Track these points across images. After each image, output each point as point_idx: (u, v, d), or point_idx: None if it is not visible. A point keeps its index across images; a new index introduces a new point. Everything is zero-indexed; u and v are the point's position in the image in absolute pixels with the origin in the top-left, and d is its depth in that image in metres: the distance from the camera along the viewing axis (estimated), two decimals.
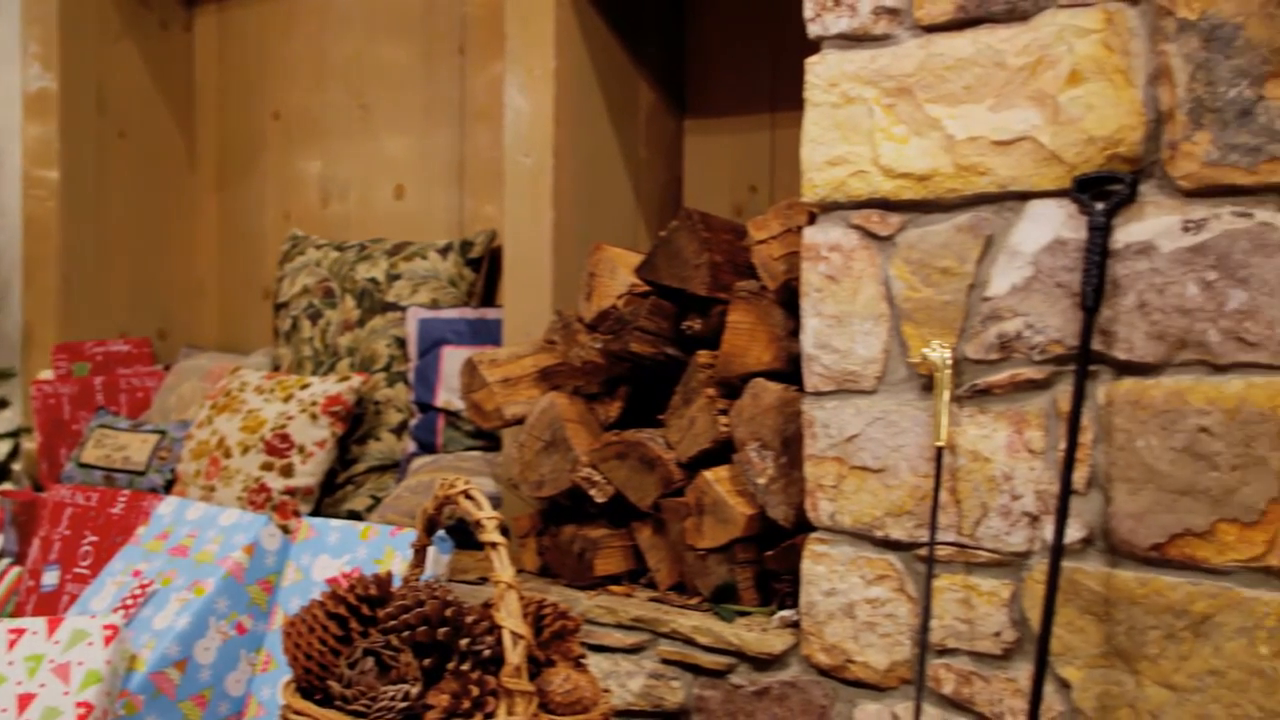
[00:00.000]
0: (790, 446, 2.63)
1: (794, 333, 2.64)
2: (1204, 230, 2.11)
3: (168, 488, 4.09)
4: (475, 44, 4.29)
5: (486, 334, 3.92)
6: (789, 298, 2.66)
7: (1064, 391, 2.24)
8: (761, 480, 2.68)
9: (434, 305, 4.07)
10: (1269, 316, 2.06)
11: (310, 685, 2.02)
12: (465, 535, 3.18)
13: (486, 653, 1.95)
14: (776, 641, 2.61)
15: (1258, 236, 2.06)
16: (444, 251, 4.14)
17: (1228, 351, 2.10)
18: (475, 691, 1.90)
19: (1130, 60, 2.18)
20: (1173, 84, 2.14)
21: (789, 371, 2.67)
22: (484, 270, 4.14)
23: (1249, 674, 2.10)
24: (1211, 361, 2.11)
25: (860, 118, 2.45)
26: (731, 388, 2.77)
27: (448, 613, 1.96)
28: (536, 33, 3.43)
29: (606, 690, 2.15)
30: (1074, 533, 2.24)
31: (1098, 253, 2.17)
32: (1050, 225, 2.25)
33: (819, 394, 2.53)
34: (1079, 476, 2.23)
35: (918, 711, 2.35)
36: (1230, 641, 2.11)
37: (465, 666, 1.93)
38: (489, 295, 4.17)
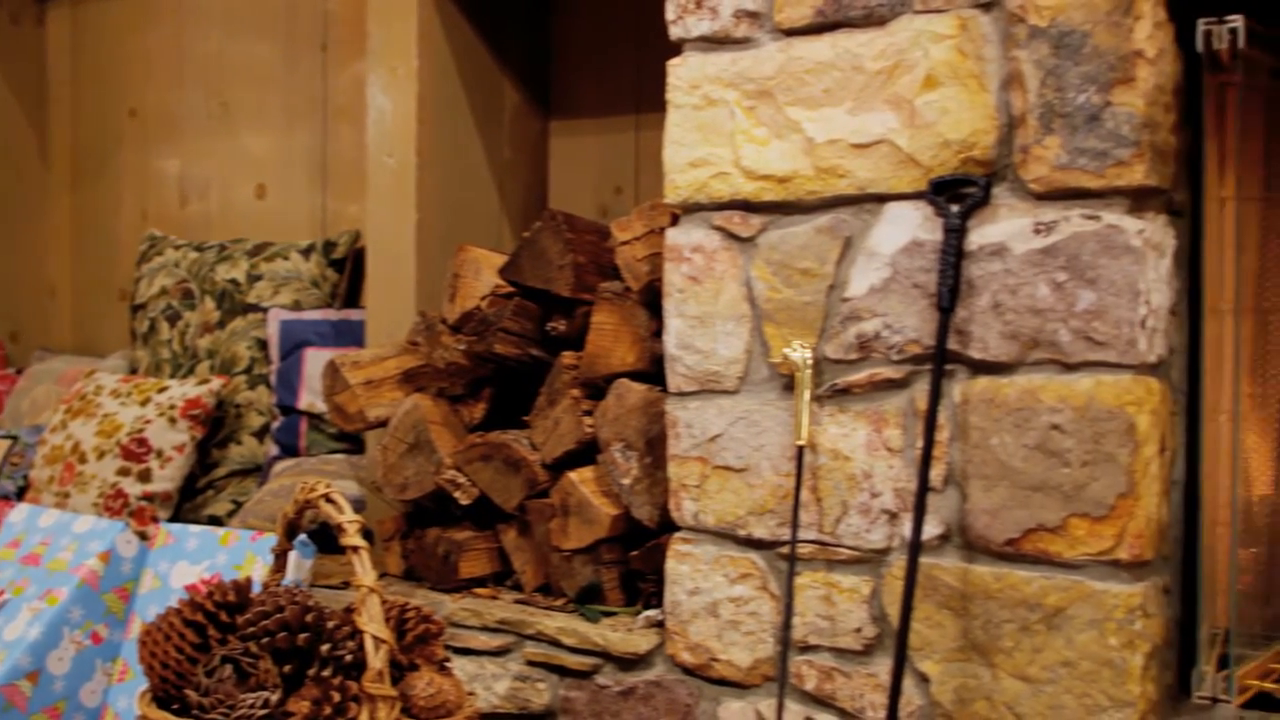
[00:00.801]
0: (654, 447, 2.64)
1: (658, 333, 2.65)
2: (1054, 232, 2.16)
3: (20, 494, 3.98)
4: (338, 41, 4.23)
5: (350, 336, 3.87)
6: (653, 299, 2.67)
7: (921, 390, 2.28)
8: (626, 481, 2.68)
9: (296, 307, 4.01)
10: (1116, 316, 2.11)
11: (167, 695, 1.99)
12: (328, 539, 3.13)
13: (348, 658, 1.93)
14: (641, 641, 2.61)
15: (1105, 238, 2.12)
16: (306, 252, 4.08)
17: (1078, 350, 2.15)
18: (336, 697, 1.88)
19: (984, 66, 2.23)
20: (1024, 89, 2.18)
21: (653, 372, 2.68)
22: (347, 271, 4.09)
23: (1099, 664, 2.15)
24: (1062, 360, 2.16)
25: (722, 120, 2.47)
26: (596, 389, 2.77)
27: (308, 618, 1.94)
28: (399, 31, 3.41)
29: (471, 693, 2.14)
30: (931, 529, 2.28)
31: (953, 254, 2.21)
32: (907, 227, 2.29)
33: (682, 394, 2.54)
34: (936, 474, 2.27)
35: (780, 708, 2.37)
36: (1081, 633, 2.16)
37: (326, 672, 1.91)
38: (352, 296, 4.12)
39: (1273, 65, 2.21)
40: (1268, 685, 2.10)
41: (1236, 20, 2.02)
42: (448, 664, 2.12)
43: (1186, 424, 2.22)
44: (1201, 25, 2.05)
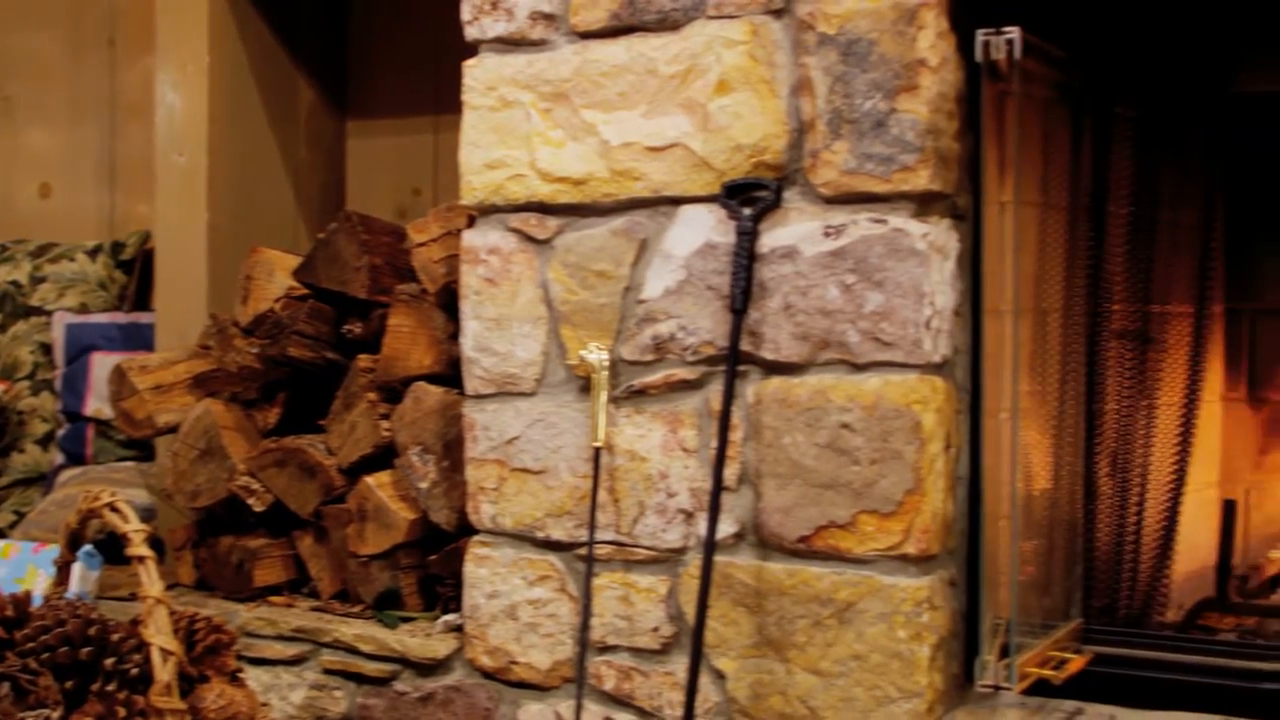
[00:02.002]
0: (452, 450, 2.62)
1: (455, 336, 2.63)
2: (843, 235, 2.21)
3: None
4: (126, 36, 4.11)
5: (140, 339, 3.76)
6: (450, 301, 2.66)
7: (716, 391, 2.31)
8: (424, 484, 2.66)
9: (83, 309, 3.88)
10: (903, 318, 2.17)
11: None
12: (117, 550, 3.04)
13: (134, 671, 1.87)
14: (440, 646, 2.59)
15: (892, 242, 2.17)
16: (93, 253, 3.95)
17: (866, 351, 2.20)
18: (122, 713, 1.83)
19: (775, 71, 2.27)
20: (813, 95, 2.23)
21: (450, 375, 2.66)
22: (137, 273, 3.97)
23: (889, 657, 2.21)
24: (851, 361, 2.22)
25: (518, 122, 2.47)
26: (393, 392, 2.74)
27: (91, 631, 1.88)
28: (189, 27, 3.32)
29: (265, 704, 2.10)
30: (726, 528, 2.31)
31: (745, 257, 2.24)
32: (701, 230, 2.32)
33: (479, 397, 2.53)
34: (730, 473, 2.30)
35: (579, 709, 2.38)
36: (871, 627, 2.22)
37: (111, 687, 1.86)
38: (142, 299, 4.00)
39: (1049, 75, 2.30)
40: (1046, 672, 2.18)
41: (1013, 32, 2.09)
42: (240, 675, 2.08)
43: (970, 422, 2.29)
44: (980, 36, 2.12)
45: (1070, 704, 2.25)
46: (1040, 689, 2.21)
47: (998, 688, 2.15)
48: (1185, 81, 2.46)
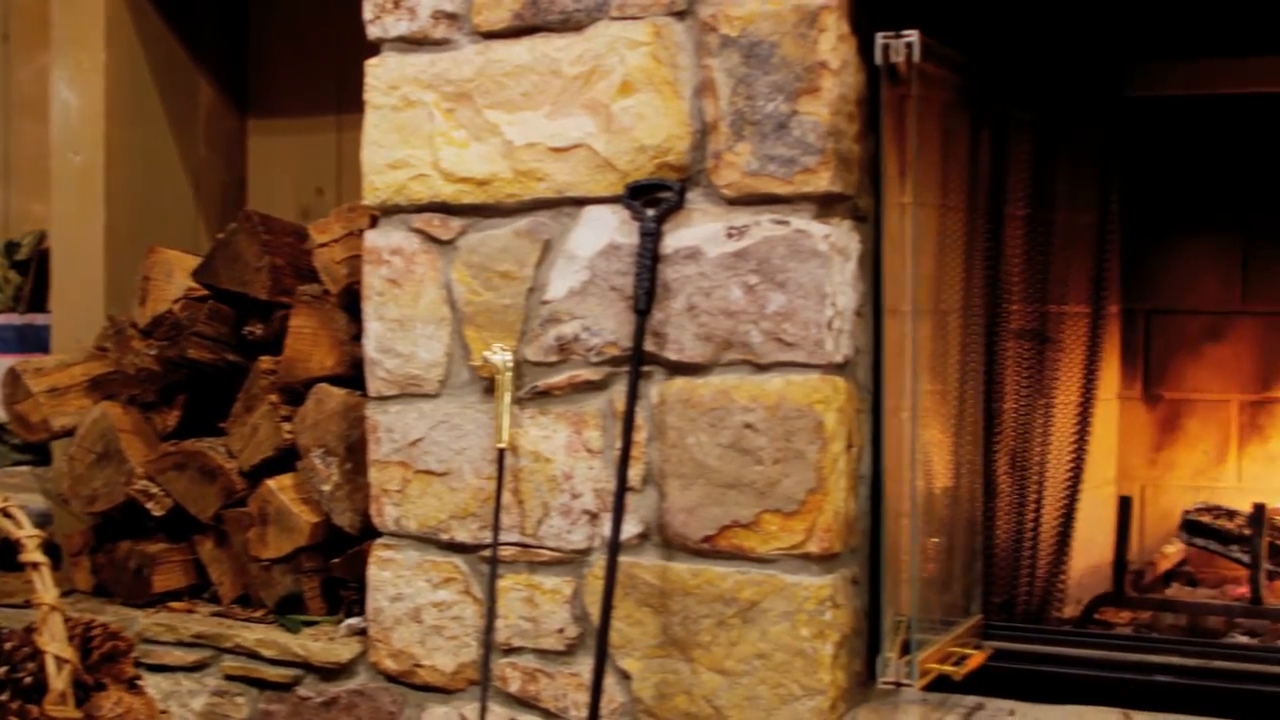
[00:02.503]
0: (355, 452, 2.60)
1: (358, 337, 2.61)
2: (746, 236, 2.22)
3: None
4: (20, 31, 4.02)
5: (36, 341, 3.69)
6: (352, 301, 2.64)
7: (620, 392, 2.31)
8: (326, 487, 2.64)
9: None
10: (805, 318, 2.19)
11: None
12: (10, 556, 2.98)
13: (28, 680, 1.85)
14: (344, 650, 2.57)
15: (794, 243, 2.19)
16: None
17: (769, 351, 2.22)
18: None
19: (678, 73, 2.27)
20: (716, 97, 2.24)
21: (353, 376, 2.64)
22: (32, 273, 3.89)
23: (792, 655, 2.22)
24: (754, 361, 2.23)
25: (421, 121, 2.45)
26: (295, 394, 2.72)
27: None
28: (85, 23, 3.26)
29: (165, 711, 2.08)
30: (631, 528, 2.31)
31: (649, 257, 2.25)
32: (605, 231, 2.32)
33: (383, 398, 2.51)
34: (635, 474, 2.30)
35: (483, 712, 2.37)
36: (775, 626, 2.23)
37: (4, 696, 1.83)
38: (38, 300, 3.92)
39: (949, 79, 2.33)
40: (947, 668, 2.20)
41: (912, 35, 2.12)
42: (139, 682, 2.05)
43: (872, 421, 2.31)
44: (880, 39, 2.14)
45: (971, 699, 2.28)
46: (941, 685, 2.24)
47: (899, 684, 2.17)
48: (1079, 85, 2.51)
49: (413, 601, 2.50)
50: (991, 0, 2.30)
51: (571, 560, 2.38)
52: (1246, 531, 2.50)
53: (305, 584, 2.72)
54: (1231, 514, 2.63)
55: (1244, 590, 2.53)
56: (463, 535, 2.46)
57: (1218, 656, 2.29)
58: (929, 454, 2.34)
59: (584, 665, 2.37)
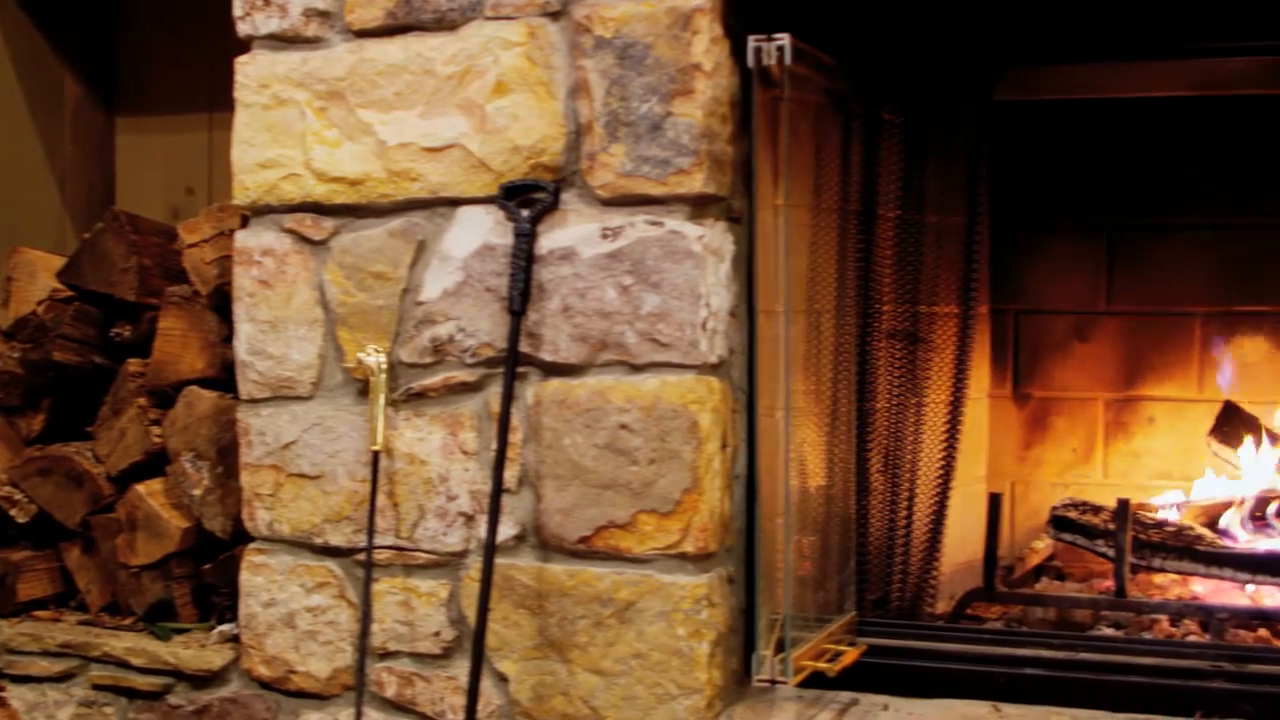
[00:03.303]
0: (227, 456, 2.56)
1: (228, 339, 2.56)
2: (620, 237, 2.22)
3: None
4: None
5: None
6: (223, 303, 2.59)
7: (495, 393, 2.30)
8: (197, 492, 2.59)
9: None
10: (679, 319, 2.20)
11: None
12: None
13: None
14: (216, 657, 2.53)
15: (668, 244, 2.20)
16: None
17: (644, 352, 2.22)
18: None
19: (552, 74, 2.27)
20: (591, 98, 2.24)
21: (224, 379, 2.60)
22: None
23: (669, 654, 2.23)
24: (630, 362, 2.23)
25: (292, 120, 2.42)
26: (165, 397, 2.67)
27: None
28: None
29: None
30: (507, 530, 2.30)
31: (523, 258, 2.24)
32: (479, 231, 2.31)
33: (254, 401, 2.47)
34: (510, 475, 2.29)
35: (358, 717, 2.35)
36: (652, 626, 2.24)
37: None
38: None
39: (821, 82, 2.35)
40: (821, 665, 2.22)
41: (784, 38, 2.13)
42: (2, 694, 1.99)
43: (747, 421, 2.33)
44: (752, 42, 2.15)
45: (846, 695, 2.31)
46: (816, 681, 2.26)
47: (774, 682, 2.18)
48: (947, 89, 2.54)
49: (286, 607, 2.46)
50: (862, 5, 2.32)
51: (447, 563, 2.36)
52: (1111, 526, 2.56)
53: (176, 591, 2.67)
54: (1097, 509, 2.69)
55: (1110, 584, 2.58)
56: (337, 539, 2.43)
57: (1084, 649, 2.34)
58: (803, 453, 2.36)
59: (461, 668, 2.35)
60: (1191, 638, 2.49)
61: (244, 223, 2.50)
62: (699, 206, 2.21)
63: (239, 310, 2.48)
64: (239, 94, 2.47)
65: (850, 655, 2.29)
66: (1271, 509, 2.65)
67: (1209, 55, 2.43)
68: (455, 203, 2.33)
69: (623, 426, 2.23)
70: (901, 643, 2.39)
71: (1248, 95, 2.64)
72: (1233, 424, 2.88)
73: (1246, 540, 2.64)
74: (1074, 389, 3.08)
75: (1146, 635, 2.53)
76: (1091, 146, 2.95)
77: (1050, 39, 2.38)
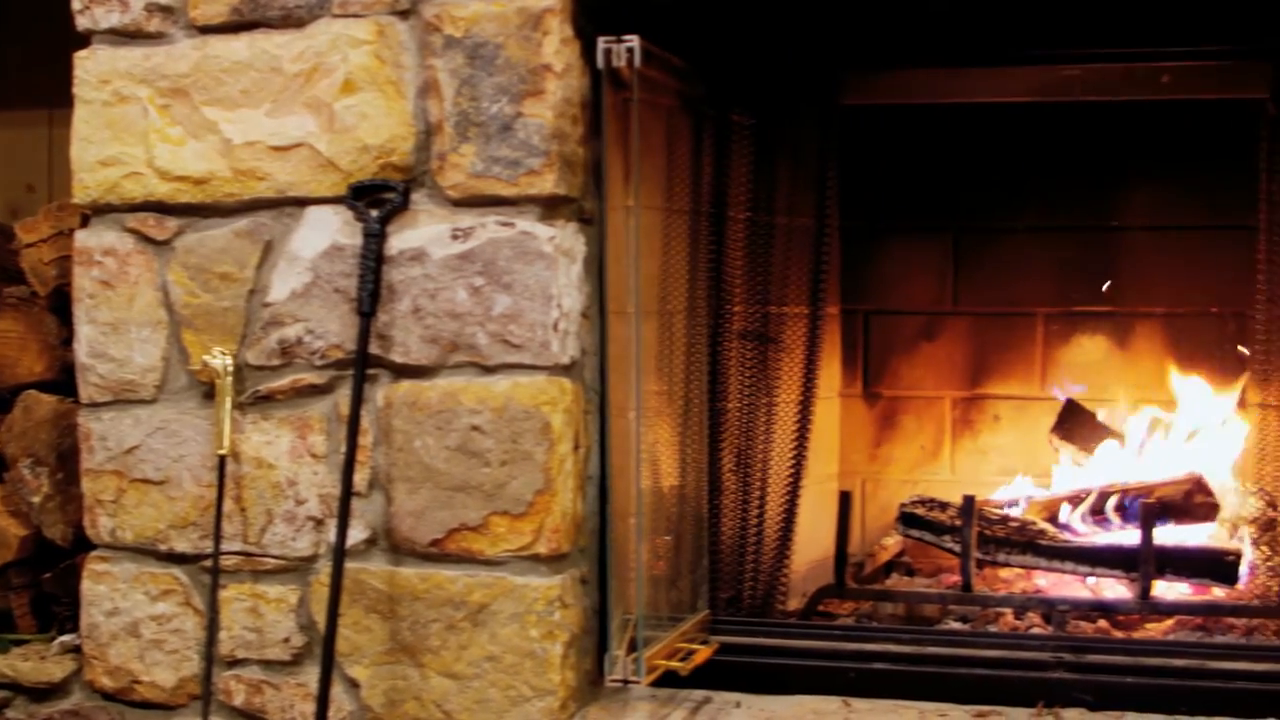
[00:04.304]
0: (67, 461, 2.50)
1: (69, 341, 2.50)
2: (471, 238, 2.21)
3: None
4: None
5: None
6: (63, 304, 2.53)
7: (345, 396, 2.27)
8: (36, 499, 2.53)
9: None
10: (531, 320, 2.19)
11: None
12: None
13: None
14: (56, 669, 2.46)
15: (519, 245, 2.19)
16: None
17: (495, 353, 2.21)
18: None
19: (401, 73, 2.25)
20: (441, 98, 2.22)
21: (65, 382, 2.54)
22: None
23: (522, 656, 2.22)
24: (481, 363, 2.22)
25: (134, 118, 2.37)
26: (2, 401, 2.59)
27: None
28: None
29: None
30: (357, 534, 2.28)
31: (373, 259, 2.22)
32: (328, 232, 2.28)
33: (96, 405, 2.41)
34: (360, 478, 2.27)
35: None
36: (505, 628, 2.23)
37: None
38: None
39: (671, 84, 2.36)
40: (674, 664, 2.23)
41: (633, 40, 2.13)
42: None
43: (600, 422, 2.33)
44: (602, 43, 2.15)
45: (699, 693, 2.32)
46: (670, 680, 2.27)
47: (626, 682, 2.19)
48: (795, 92, 2.58)
49: (130, 615, 2.41)
50: (712, 8, 2.34)
51: (297, 568, 2.33)
52: (958, 523, 2.61)
53: (14, 601, 2.61)
54: (944, 506, 2.74)
55: (958, 579, 2.63)
56: (182, 545, 2.38)
57: (931, 643, 2.39)
58: (656, 453, 2.37)
59: (311, 675, 2.32)
60: (1035, 630, 2.54)
61: (84, 222, 2.44)
62: (550, 207, 2.20)
63: (79, 312, 2.41)
64: (79, 90, 2.40)
65: (703, 654, 2.31)
66: (1110, 504, 2.72)
67: (1043, 63, 2.50)
68: (303, 203, 2.30)
69: (475, 428, 2.22)
70: (754, 640, 2.41)
71: (1084, 102, 2.71)
72: (1074, 421, 2.96)
73: (1087, 534, 2.71)
74: (922, 388, 3.14)
75: (992, 628, 2.58)
76: (939, 150, 3.01)
77: (889, 45, 2.42)
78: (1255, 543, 2.54)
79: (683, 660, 2.27)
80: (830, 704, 2.28)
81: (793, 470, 2.63)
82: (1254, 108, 2.52)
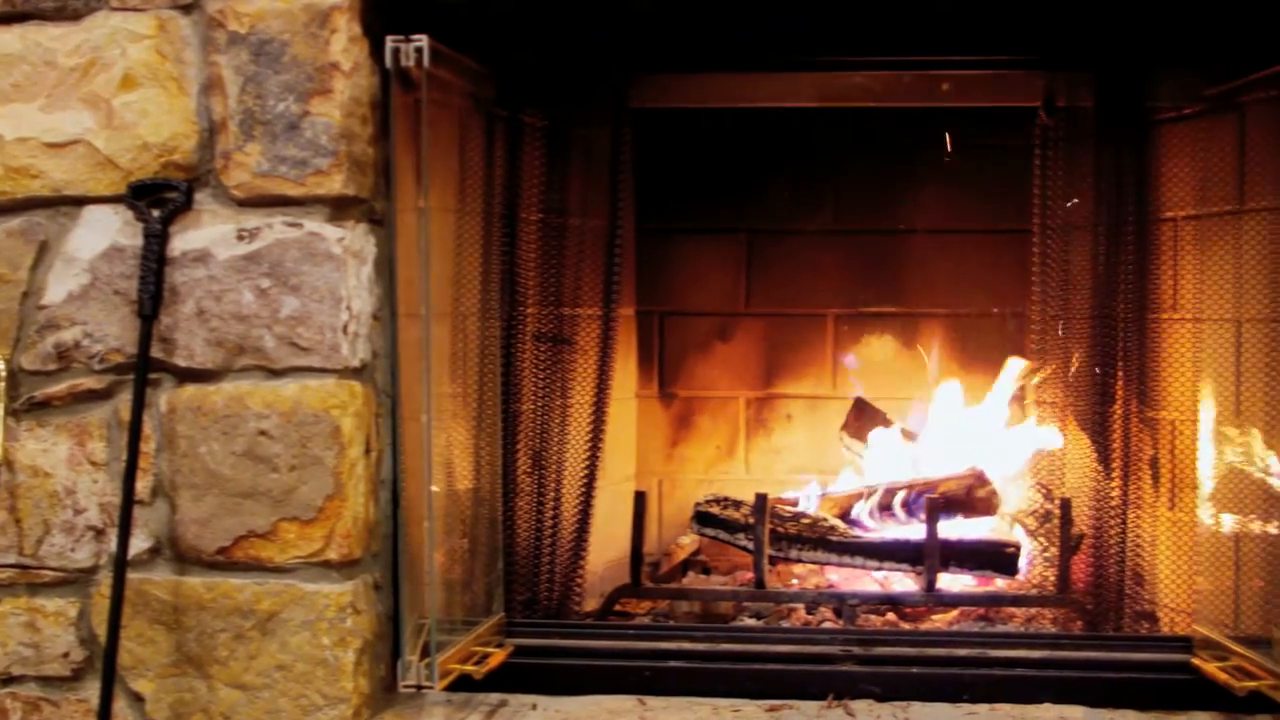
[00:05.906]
0: None
1: None
2: (258, 239, 2.17)
3: None
4: None
5: None
6: None
7: (126, 401, 2.20)
8: None
9: None
10: (319, 322, 2.16)
11: None
12: None
13: None
14: None
15: (307, 246, 2.16)
16: None
17: (283, 356, 2.17)
18: None
19: (184, 69, 2.19)
20: (225, 95, 2.17)
21: None
22: None
23: (313, 664, 2.19)
24: (269, 366, 2.18)
25: None
26: None
27: None
28: None
29: None
30: (140, 543, 2.21)
31: (154, 260, 2.16)
32: (107, 232, 2.21)
33: None
34: (143, 486, 2.21)
35: None
36: (295, 636, 2.19)
37: None
38: None
39: (463, 85, 2.35)
40: (468, 668, 2.22)
41: (421, 40, 2.12)
42: None
43: (392, 425, 2.30)
44: (390, 42, 2.13)
45: (495, 696, 2.31)
46: (466, 684, 2.26)
47: (420, 687, 2.17)
48: (585, 94, 2.58)
49: None
50: (502, 10, 2.33)
51: (76, 580, 2.25)
52: (751, 521, 2.64)
53: None
54: (738, 504, 2.78)
55: (752, 576, 2.67)
56: None
57: (725, 639, 2.42)
58: (450, 456, 2.36)
59: (93, 690, 2.24)
60: (826, 624, 2.60)
61: None
62: (339, 208, 2.17)
63: None
64: None
65: (497, 657, 2.30)
66: (898, 499, 2.79)
67: (829, 69, 2.55)
68: (81, 202, 2.22)
69: (262, 433, 2.18)
70: (549, 642, 2.42)
71: (873, 107, 2.78)
72: (863, 419, 3.03)
73: (875, 530, 2.78)
74: (717, 388, 3.19)
75: (785, 624, 2.63)
76: (732, 154, 3.06)
77: (678, 49, 2.45)
78: (1033, 534, 2.64)
79: (477, 664, 2.26)
80: (626, 703, 2.29)
81: (587, 471, 2.63)
82: (1030, 116, 2.62)
